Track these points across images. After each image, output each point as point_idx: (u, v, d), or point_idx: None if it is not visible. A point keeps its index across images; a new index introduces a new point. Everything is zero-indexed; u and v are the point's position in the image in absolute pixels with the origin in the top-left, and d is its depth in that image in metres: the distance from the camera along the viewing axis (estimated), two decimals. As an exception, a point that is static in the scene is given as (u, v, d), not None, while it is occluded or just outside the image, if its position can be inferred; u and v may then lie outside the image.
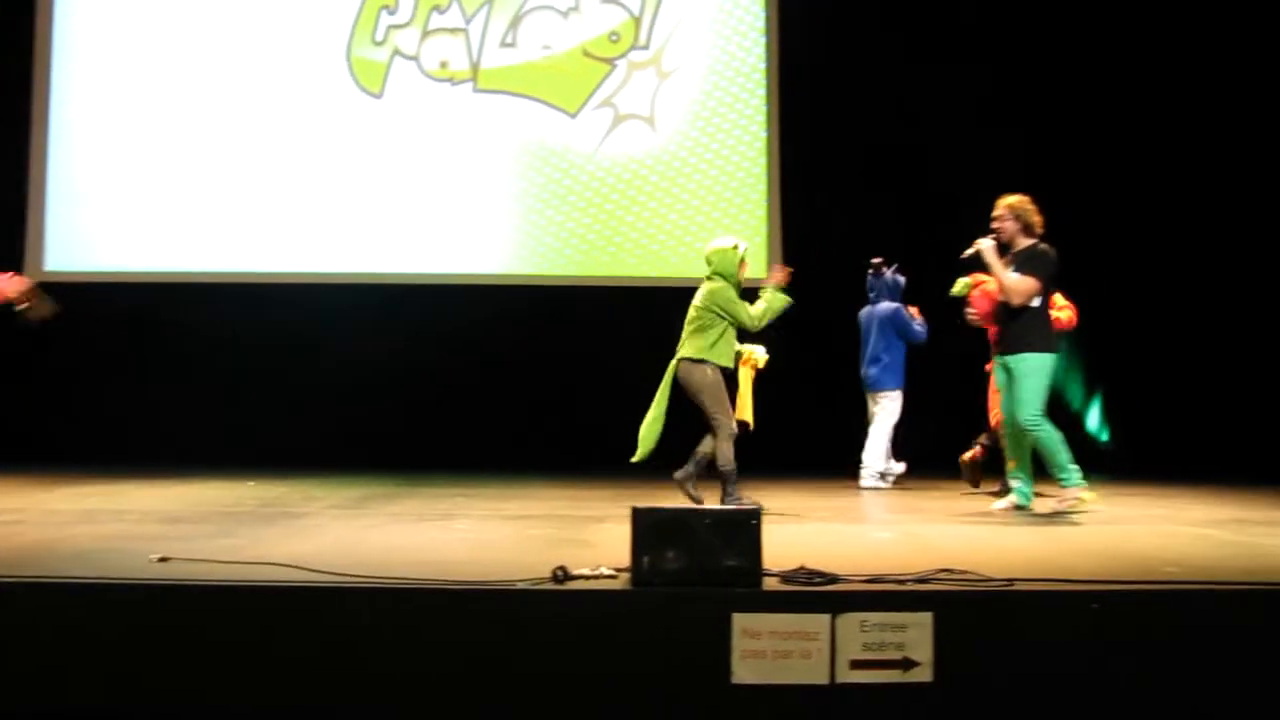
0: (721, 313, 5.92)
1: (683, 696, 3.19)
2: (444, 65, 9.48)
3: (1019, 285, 5.71)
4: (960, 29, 9.46)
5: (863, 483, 7.53)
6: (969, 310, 6.28)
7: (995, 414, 6.80)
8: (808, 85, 9.39)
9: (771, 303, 5.99)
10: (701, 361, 5.89)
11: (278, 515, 5.43)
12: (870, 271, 7.77)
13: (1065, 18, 9.37)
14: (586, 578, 3.39)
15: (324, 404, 8.99)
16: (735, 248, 6.11)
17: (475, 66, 9.48)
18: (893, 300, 7.66)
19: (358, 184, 9.33)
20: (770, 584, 3.35)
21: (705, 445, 5.94)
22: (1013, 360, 5.78)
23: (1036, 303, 5.73)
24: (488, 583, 3.34)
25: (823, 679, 3.19)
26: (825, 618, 3.21)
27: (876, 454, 7.59)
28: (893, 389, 7.61)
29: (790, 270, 6.20)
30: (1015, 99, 9.33)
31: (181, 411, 8.90)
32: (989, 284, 5.98)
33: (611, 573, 3.42)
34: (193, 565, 3.63)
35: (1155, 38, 9.25)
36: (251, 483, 7.18)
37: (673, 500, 5.51)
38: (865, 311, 7.80)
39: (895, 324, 7.58)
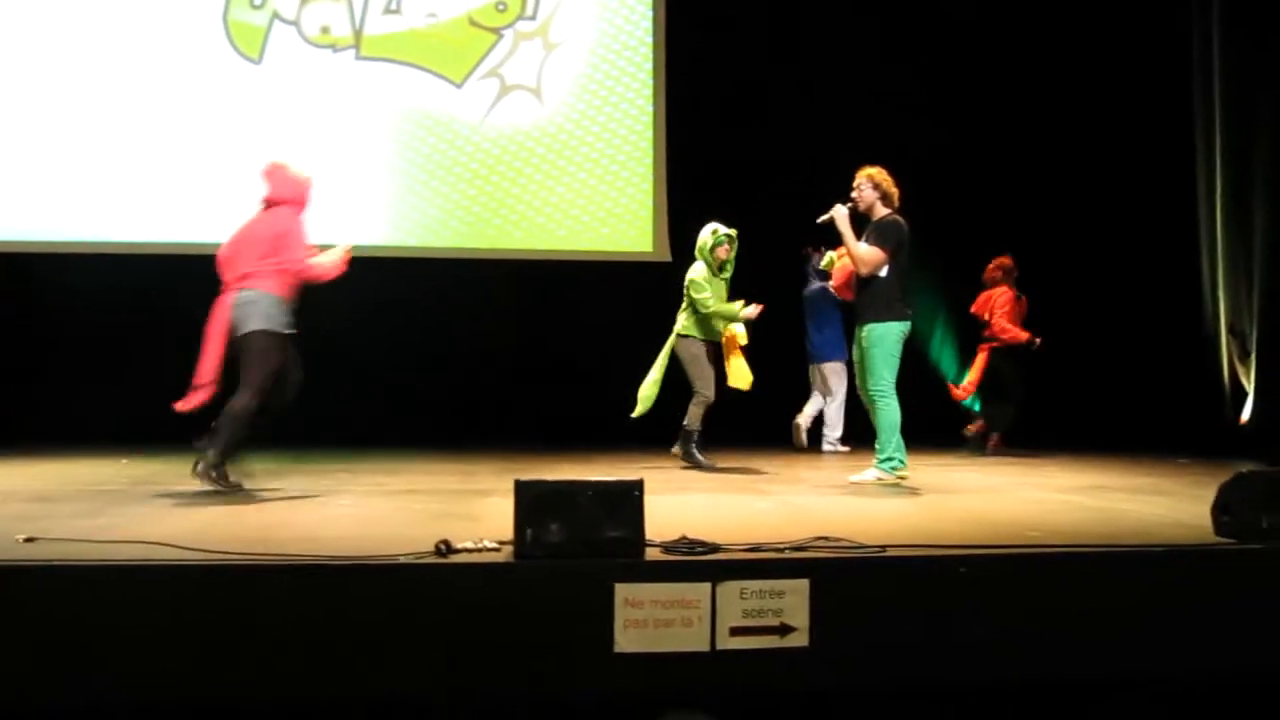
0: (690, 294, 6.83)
1: (566, 667, 3.22)
2: (325, 31, 9.26)
3: (867, 256, 5.83)
4: (847, 4, 9.62)
5: (825, 448, 8.30)
6: (830, 284, 6.45)
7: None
8: (695, 61, 9.44)
9: (725, 308, 6.82)
10: (688, 336, 6.87)
11: (152, 493, 5.28)
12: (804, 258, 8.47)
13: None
14: (470, 551, 3.39)
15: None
16: (715, 232, 6.90)
17: (358, 33, 9.28)
18: (821, 282, 8.20)
19: (235, 153, 9.04)
20: (652, 554, 3.40)
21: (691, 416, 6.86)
22: (862, 330, 5.87)
23: (884, 273, 5.81)
24: (370, 558, 3.31)
25: (704, 646, 3.26)
26: (706, 586, 3.28)
27: (834, 423, 8.34)
28: (838, 360, 8.28)
29: (761, 308, 6.88)
30: (906, 77, 9.53)
31: (46, 385, 8.57)
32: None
33: (495, 546, 3.43)
34: (61, 545, 3.51)
35: (1036, 36, 9.53)
36: (124, 460, 6.96)
37: (557, 473, 5.53)
38: (807, 291, 8.55)
39: (827, 299, 8.10)
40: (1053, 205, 9.40)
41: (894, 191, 5.95)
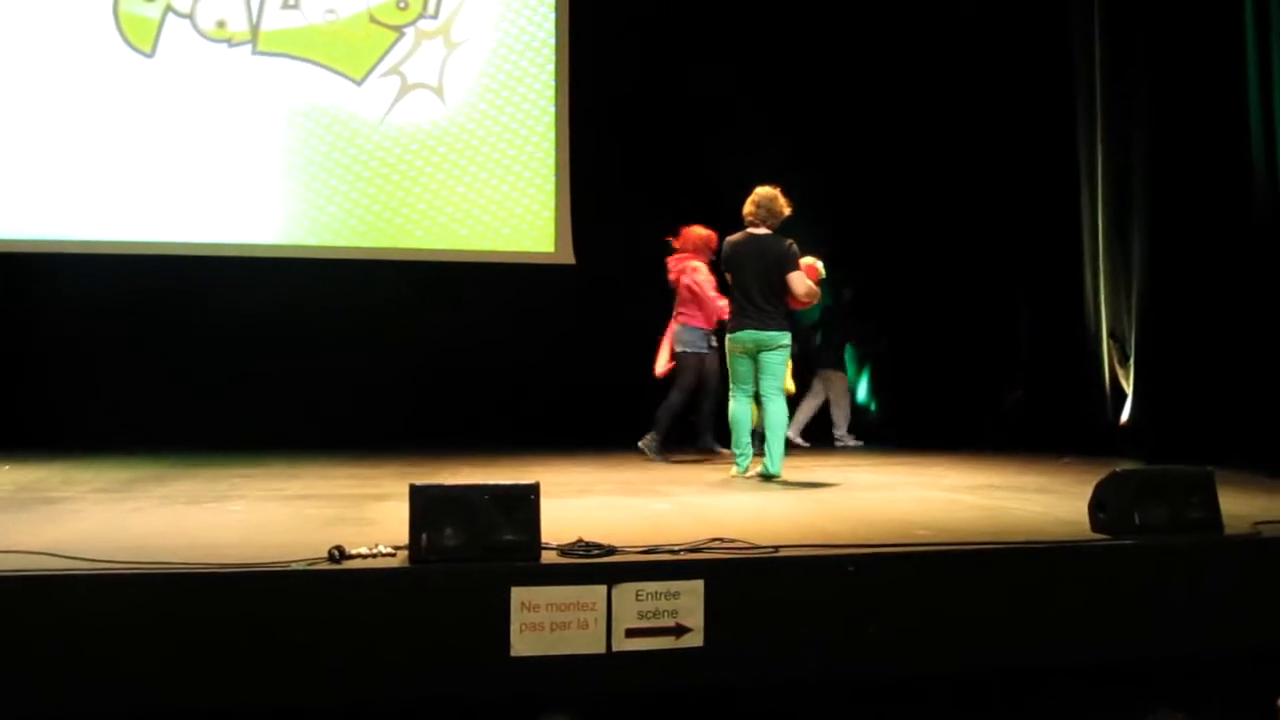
0: None
1: (461, 672, 3.21)
2: (221, 25, 9.05)
3: None
4: (751, 7, 9.74)
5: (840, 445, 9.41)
6: None
7: None
8: (599, 62, 9.45)
9: None
10: None
11: (33, 500, 5.12)
12: None
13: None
14: (364, 556, 3.36)
15: (86, 381, 8.49)
16: None
17: (255, 28, 9.09)
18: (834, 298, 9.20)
19: (127, 149, 8.80)
20: (549, 557, 3.41)
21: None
22: None
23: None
24: (261, 565, 3.27)
25: (599, 648, 3.28)
26: (602, 588, 3.30)
27: (842, 421, 9.55)
28: (832, 369, 9.60)
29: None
30: (808, 82, 9.67)
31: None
32: None
33: (390, 551, 3.40)
34: (-66, 555, 3.39)
35: (935, 56, 9.76)
36: (6, 466, 6.72)
37: (457, 478, 5.51)
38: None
39: (832, 313, 9.47)
40: (948, 218, 9.65)
41: (750, 211, 6.24)
